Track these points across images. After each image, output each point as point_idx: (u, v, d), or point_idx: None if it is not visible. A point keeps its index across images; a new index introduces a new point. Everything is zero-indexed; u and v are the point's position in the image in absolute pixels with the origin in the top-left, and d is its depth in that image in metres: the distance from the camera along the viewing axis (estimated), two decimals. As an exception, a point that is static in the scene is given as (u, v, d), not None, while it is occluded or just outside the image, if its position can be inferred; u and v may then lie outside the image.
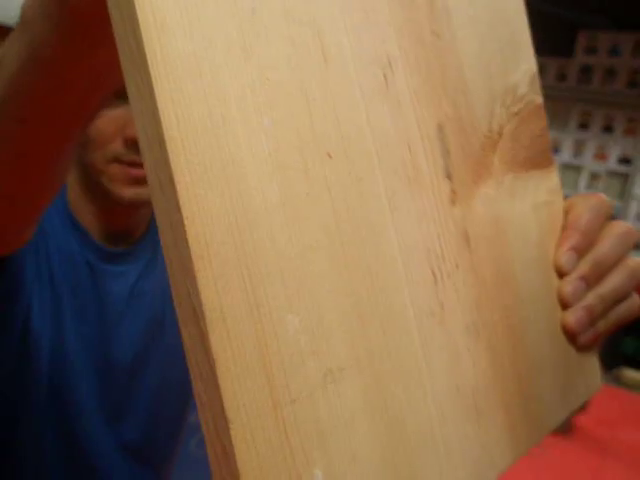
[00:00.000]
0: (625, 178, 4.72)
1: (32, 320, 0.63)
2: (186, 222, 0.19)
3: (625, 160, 4.72)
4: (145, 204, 0.67)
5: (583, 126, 4.75)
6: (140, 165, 0.62)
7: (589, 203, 0.37)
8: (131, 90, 0.21)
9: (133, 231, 0.73)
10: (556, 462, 2.32)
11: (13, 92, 0.33)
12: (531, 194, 0.36)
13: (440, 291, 0.28)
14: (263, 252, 0.21)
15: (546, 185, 0.37)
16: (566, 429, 2.43)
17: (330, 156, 0.24)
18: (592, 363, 0.38)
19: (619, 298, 0.36)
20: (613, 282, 0.35)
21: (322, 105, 0.24)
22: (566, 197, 0.40)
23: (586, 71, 4.92)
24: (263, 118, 0.22)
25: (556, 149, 4.41)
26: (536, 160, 0.37)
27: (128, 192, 0.66)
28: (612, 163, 4.77)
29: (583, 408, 2.44)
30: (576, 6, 5.64)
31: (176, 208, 0.20)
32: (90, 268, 0.68)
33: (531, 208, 0.36)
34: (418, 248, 0.27)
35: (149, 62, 0.20)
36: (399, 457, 0.25)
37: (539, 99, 0.39)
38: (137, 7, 0.20)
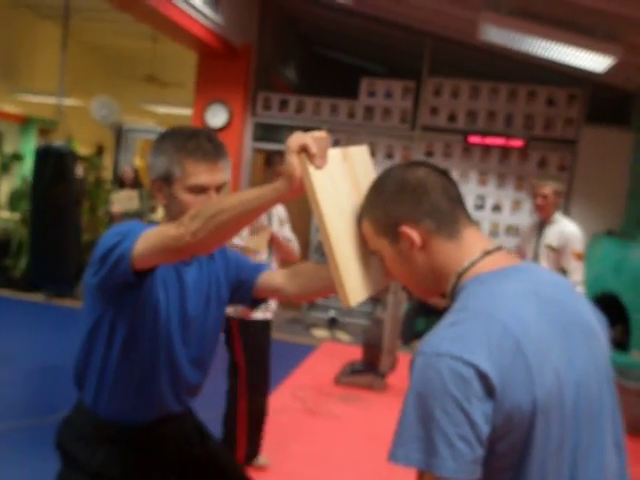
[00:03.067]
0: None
1: (160, 299, 1.29)
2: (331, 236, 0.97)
3: (403, 179, 5.79)
4: None
5: (372, 154, 5.74)
6: None
7: None
8: (319, 220, 0.97)
9: None
10: (380, 410, 3.15)
11: (247, 215, 1.01)
12: None
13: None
14: (339, 233, 0.99)
15: None
16: (383, 387, 3.26)
17: (346, 211, 1.03)
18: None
19: None
20: None
21: (345, 203, 1.03)
22: None
23: (369, 110, 5.86)
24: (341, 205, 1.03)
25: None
26: None
27: None
28: (394, 183, 5.81)
29: (393, 368, 3.29)
30: (361, 56, 6.71)
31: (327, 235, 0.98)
32: (175, 269, 1.33)
33: None
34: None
35: (323, 214, 0.96)
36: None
37: None
38: (318, 198, 0.96)
